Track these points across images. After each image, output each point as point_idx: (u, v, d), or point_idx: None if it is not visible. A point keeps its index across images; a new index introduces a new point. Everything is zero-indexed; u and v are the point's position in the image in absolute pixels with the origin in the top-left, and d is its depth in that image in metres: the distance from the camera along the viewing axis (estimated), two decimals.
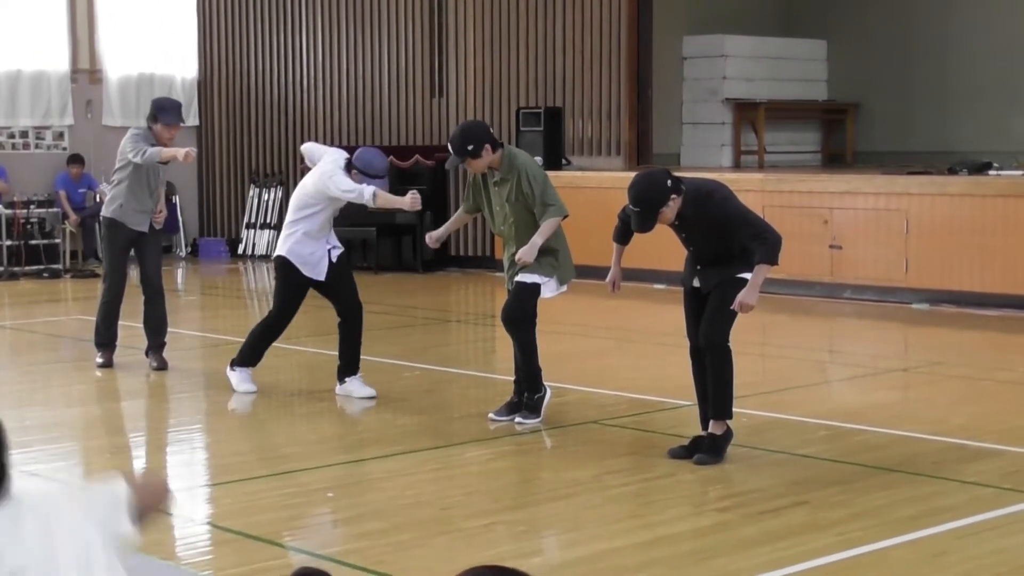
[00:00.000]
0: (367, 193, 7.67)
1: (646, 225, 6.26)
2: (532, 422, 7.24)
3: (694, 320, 6.49)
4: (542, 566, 4.77)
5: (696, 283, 6.46)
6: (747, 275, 6.25)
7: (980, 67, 16.15)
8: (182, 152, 8.76)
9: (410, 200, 7.68)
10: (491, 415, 7.36)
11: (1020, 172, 12.43)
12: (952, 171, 12.57)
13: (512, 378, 7.44)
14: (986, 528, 5.34)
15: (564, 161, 15.02)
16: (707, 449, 6.39)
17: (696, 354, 6.52)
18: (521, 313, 7.25)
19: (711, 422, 6.46)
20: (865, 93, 17.17)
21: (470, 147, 7.07)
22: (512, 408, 7.35)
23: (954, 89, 16.36)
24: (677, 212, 6.27)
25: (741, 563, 4.89)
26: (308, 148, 8.28)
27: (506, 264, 7.35)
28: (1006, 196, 11.68)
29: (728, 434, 6.45)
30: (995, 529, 5.33)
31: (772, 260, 6.19)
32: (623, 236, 6.73)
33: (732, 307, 6.26)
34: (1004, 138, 15.30)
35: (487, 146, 7.09)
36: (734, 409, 6.51)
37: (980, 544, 5.13)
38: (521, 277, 7.21)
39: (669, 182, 6.24)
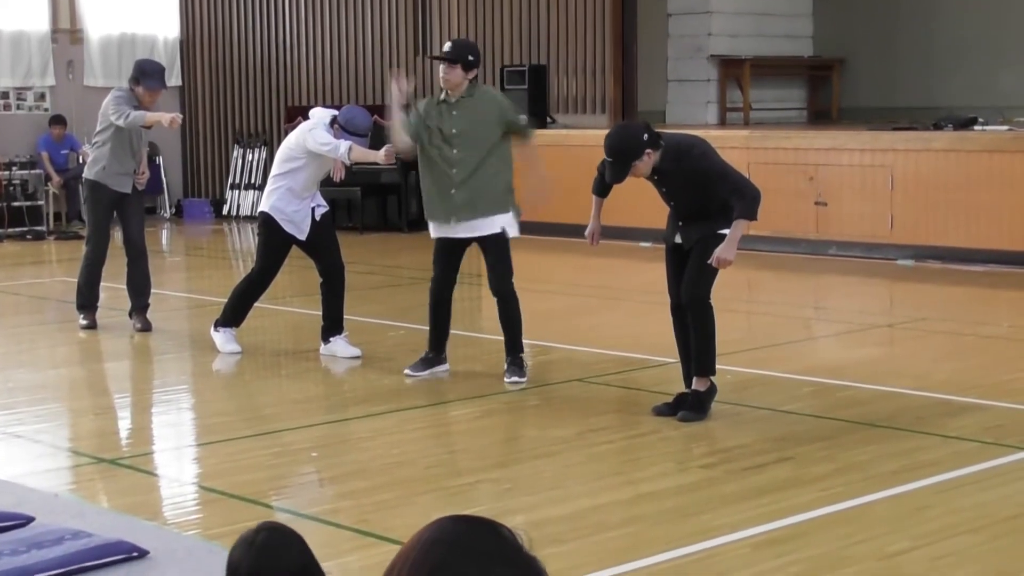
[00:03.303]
0: (342, 147, 7.65)
1: (618, 176, 6.25)
2: (524, 381, 7.24)
3: (676, 277, 6.48)
4: (526, 523, 4.77)
5: (678, 239, 6.44)
6: (728, 231, 6.25)
7: (966, 22, 16.10)
8: (167, 118, 8.67)
9: (384, 153, 7.65)
10: (407, 371, 7.40)
11: (1005, 127, 12.42)
12: (937, 127, 12.56)
13: (501, 338, 7.37)
14: (968, 482, 5.36)
15: (549, 119, 14.97)
16: (691, 406, 6.40)
17: (677, 311, 6.51)
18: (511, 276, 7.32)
19: (694, 379, 6.46)
20: (851, 49, 17.13)
21: (470, 57, 7.15)
22: (427, 363, 7.41)
23: (940, 44, 16.32)
24: (655, 167, 6.25)
25: (725, 519, 4.90)
26: (314, 113, 8.23)
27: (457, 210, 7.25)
28: (991, 151, 11.67)
29: (712, 390, 6.46)
30: (977, 483, 5.35)
31: (751, 215, 6.17)
32: (602, 188, 6.70)
33: (710, 262, 6.25)
34: (990, 93, 15.29)
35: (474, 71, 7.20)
36: (718, 366, 6.52)
37: (962, 498, 5.15)
38: (495, 229, 7.22)
39: (646, 136, 6.20)
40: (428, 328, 7.46)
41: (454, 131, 7.16)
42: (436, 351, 7.46)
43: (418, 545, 1.76)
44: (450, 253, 7.34)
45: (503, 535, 1.76)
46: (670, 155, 6.24)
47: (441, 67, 7.20)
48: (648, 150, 6.19)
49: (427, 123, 7.20)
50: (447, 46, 7.26)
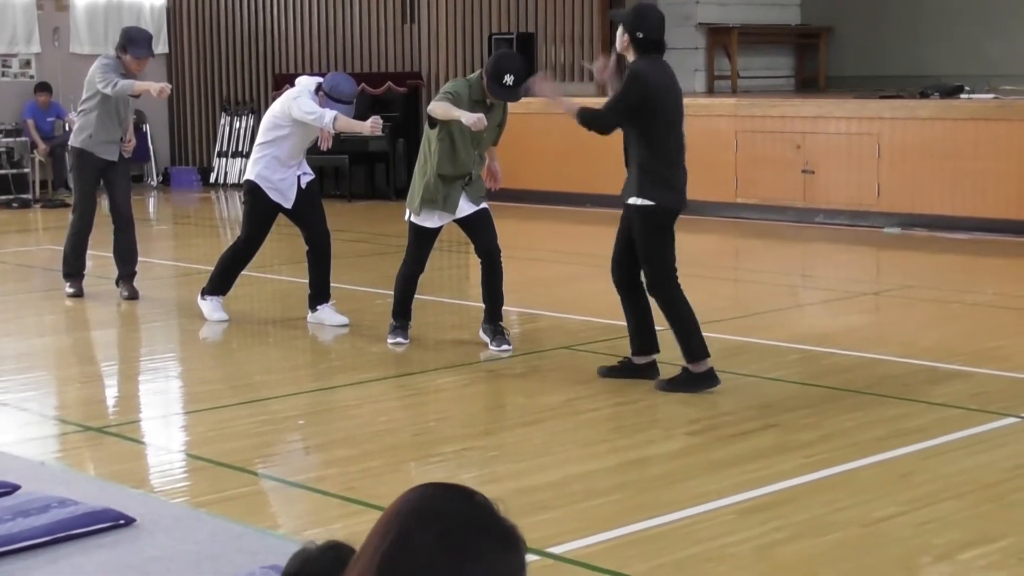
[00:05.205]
0: (327, 116, 7.61)
1: (614, 19, 6.50)
2: (511, 348, 7.27)
3: (617, 245, 6.51)
4: (513, 491, 4.80)
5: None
6: (644, 202, 6.25)
7: None
8: (156, 88, 8.63)
9: (370, 124, 7.63)
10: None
11: (991, 95, 12.43)
12: (924, 95, 12.55)
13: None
14: (953, 448, 5.39)
15: None
16: (684, 382, 6.36)
17: (619, 286, 6.52)
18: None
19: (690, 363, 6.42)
20: (838, 17, 17.07)
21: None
22: (405, 328, 7.45)
23: (927, 13, 16.28)
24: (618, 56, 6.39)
25: (711, 485, 4.93)
26: (299, 80, 8.18)
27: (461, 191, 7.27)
28: (977, 119, 11.69)
29: (696, 378, 6.37)
30: (962, 449, 5.38)
31: (581, 118, 6.28)
32: None
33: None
34: (978, 62, 15.26)
35: None
36: (705, 334, 6.45)
37: (947, 464, 5.18)
38: (484, 204, 7.33)
39: (640, 35, 6.29)
40: (398, 301, 7.46)
41: (484, 134, 7.14)
42: (407, 318, 7.51)
43: (393, 515, 1.76)
44: (434, 239, 7.44)
45: (478, 503, 1.76)
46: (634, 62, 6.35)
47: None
48: (628, 39, 6.30)
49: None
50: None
